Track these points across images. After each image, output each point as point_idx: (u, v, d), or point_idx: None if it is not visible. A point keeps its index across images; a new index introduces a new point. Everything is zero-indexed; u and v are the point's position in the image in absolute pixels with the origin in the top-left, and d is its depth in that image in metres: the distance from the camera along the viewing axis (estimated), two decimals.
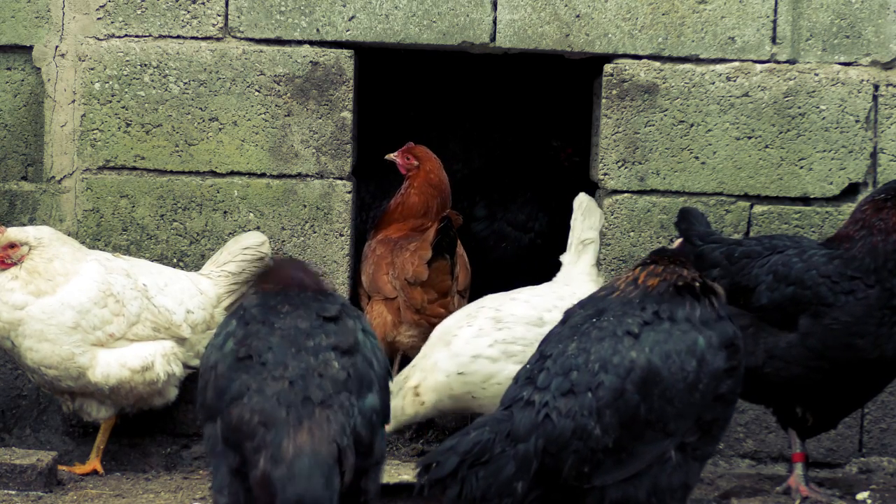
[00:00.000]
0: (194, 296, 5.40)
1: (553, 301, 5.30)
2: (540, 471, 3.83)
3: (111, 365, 5.21)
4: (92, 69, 5.69)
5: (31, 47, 5.72)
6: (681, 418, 3.90)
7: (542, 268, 6.04)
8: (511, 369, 5.05)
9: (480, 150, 7.41)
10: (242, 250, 5.52)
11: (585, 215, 5.67)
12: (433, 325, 5.50)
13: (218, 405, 3.96)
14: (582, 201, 5.71)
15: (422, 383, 5.20)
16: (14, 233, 5.22)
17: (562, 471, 3.83)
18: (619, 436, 3.84)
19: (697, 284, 4.14)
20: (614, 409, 3.84)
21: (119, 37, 5.70)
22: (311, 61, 5.70)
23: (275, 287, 4.21)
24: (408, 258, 5.76)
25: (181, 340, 5.35)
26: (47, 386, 5.30)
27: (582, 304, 4.19)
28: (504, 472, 3.79)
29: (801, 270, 4.90)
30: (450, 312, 5.57)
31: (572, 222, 5.69)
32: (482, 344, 5.18)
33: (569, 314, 4.18)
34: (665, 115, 5.70)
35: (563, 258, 5.69)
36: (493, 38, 5.70)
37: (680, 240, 5.41)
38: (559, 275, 5.65)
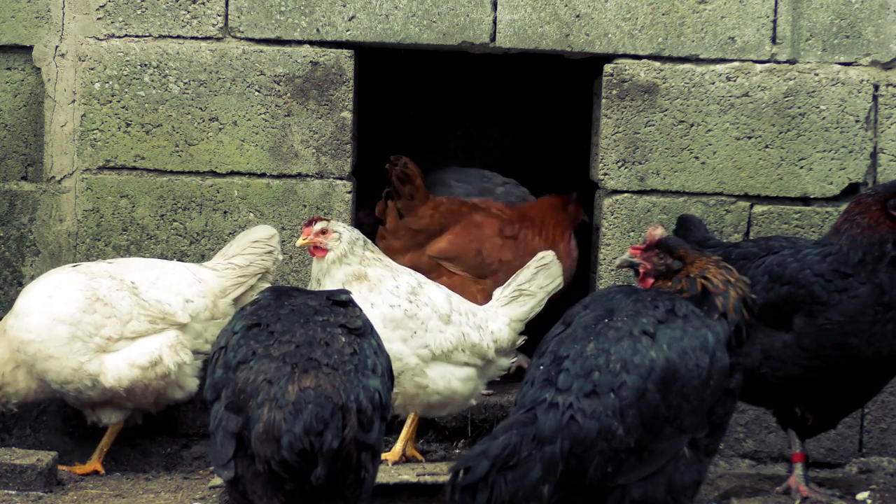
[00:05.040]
0: (192, 284, 5.39)
1: (466, 315, 5.30)
2: (565, 473, 3.84)
3: (120, 367, 5.21)
4: (92, 69, 5.69)
5: (31, 47, 5.72)
6: (695, 414, 3.95)
7: None
8: (394, 347, 5.05)
9: (480, 151, 7.41)
10: (252, 243, 5.52)
11: (539, 272, 5.45)
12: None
13: (225, 377, 4.01)
14: (545, 258, 5.47)
15: None
16: None
17: (587, 472, 3.84)
18: (640, 435, 3.87)
19: None
20: (636, 409, 3.87)
21: (119, 37, 5.70)
22: (311, 61, 5.69)
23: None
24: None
25: (183, 327, 5.34)
26: (74, 401, 5.33)
27: (585, 305, 4.20)
28: (531, 475, 3.80)
29: (796, 270, 4.91)
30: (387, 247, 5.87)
31: (523, 268, 5.47)
32: (387, 300, 5.20)
33: (572, 315, 4.18)
34: (665, 115, 5.70)
35: (495, 292, 5.51)
36: (493, 38, 5.69)
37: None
38: (488, 302, 5.50)
